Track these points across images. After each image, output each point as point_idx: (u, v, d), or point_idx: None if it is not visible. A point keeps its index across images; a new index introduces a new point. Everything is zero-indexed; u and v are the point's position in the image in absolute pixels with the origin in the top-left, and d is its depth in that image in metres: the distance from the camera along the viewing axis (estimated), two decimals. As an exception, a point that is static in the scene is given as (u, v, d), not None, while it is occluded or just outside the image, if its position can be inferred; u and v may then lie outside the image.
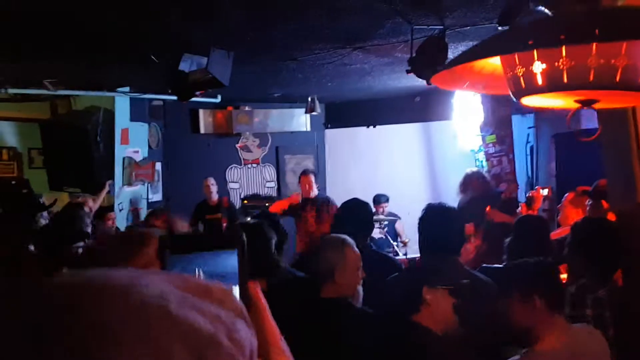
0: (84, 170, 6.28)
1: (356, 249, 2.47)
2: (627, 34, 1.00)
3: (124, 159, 6.81)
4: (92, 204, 5.86)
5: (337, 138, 8.87)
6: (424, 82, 4.48)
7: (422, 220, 2.71)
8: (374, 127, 8.42)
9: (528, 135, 6.62)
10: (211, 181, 6.88)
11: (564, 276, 2.86)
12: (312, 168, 6.37)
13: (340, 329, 2.22)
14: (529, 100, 1.29)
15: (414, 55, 4.40)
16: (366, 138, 8.66)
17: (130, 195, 6.92)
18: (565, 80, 1.09)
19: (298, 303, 2.44)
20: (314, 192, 6.05)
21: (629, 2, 1.81)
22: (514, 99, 1.28)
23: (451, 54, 4.68)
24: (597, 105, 1.20)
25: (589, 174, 4.45)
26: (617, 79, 1.06)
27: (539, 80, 1.13)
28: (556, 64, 1.08)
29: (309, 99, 7.54)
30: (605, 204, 3.64)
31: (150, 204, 7.23)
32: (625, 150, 2.22)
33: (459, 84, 1.43)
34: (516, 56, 1.14)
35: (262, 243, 2.42)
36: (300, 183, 6.20)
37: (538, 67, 1.12)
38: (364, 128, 8.47)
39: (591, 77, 1.06)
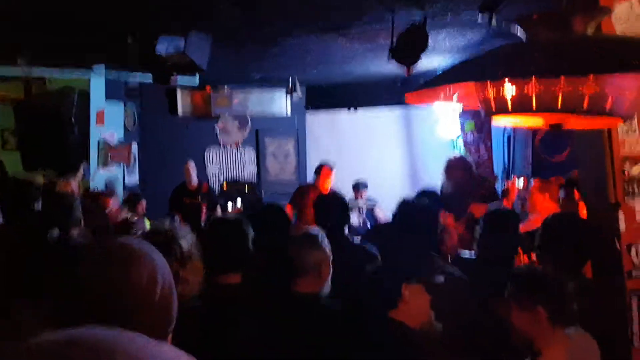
0: (59, 152, 6.16)
1: (325, 243, 2.49)
2: (595, 68, 1.00)
3: (99, 140, 6.69)
4: (75, 187, 5.75)
5: (318, 122, 8.82)
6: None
7: (395, 217, 2.72)
8: (355, 109, 8.39)
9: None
10: (192, 165, 6.74)
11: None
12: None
13: (318, 324, 2.23)
14: (500, 121, 1.29)
15: (395, 43, 4.38)
16: (347, 123, 8.64)
17: (106, 178, 6.82)
18: (534, 105, 1.09)
19: (274, 297, 2.45)
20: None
21: (603, 27, 1.82)
22: (485, 117, 1.28)
23: (432, 42, 4.66)
24: (565, 127, 1.21)
25: (564, 163, 4.50)
26: (585, 105, 1.07)
27: (509, 105, 1.14)
28: (526, 89, 1.09)
29: (290, 81, 7.47)
30: (577, 194, 3.70)
31: (126, 187, 7.14)
32: (598, 152, 2.25)
33: (433, 99, 1.43)
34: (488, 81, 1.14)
35: (238, 239, 2.40)
36: (320, 176, 5.82)
37: (508, 91, 1.12)
38: (345, 112, 8.44)
39: (559, 104, 1.07)
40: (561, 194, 4.02)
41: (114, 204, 5.18)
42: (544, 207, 4.19)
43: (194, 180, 6.70)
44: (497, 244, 3.00)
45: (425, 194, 3.89)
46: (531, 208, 4.28)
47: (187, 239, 1.92)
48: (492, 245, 3.02)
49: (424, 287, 2.16)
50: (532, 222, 4.08)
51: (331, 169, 5.80)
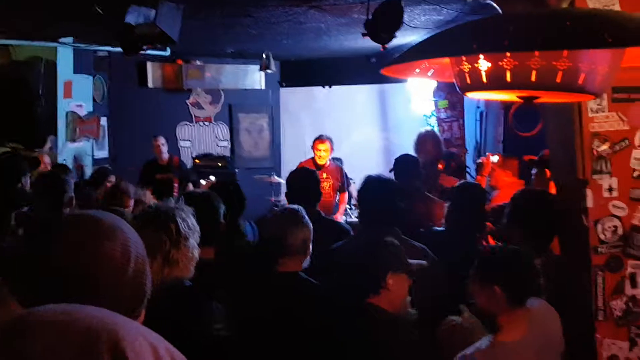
0: (25, 125, 5.98)
1: (309, 221, 2.47)
2: (568, 42, 0.99)
3: (67, 113, 6.52)
4: (47, 160, 5.62)
5: (292, 97, 8.74)
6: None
7: (360, 193, 2.74)
8: (330, 87, 8.33)
9: (478, 100, 6.70)
10: (161, 140, 6.61)
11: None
12: (326, 135, 5.81)
13: (298, 303, 2.24)
14: (474, 95, 1.29)
15: (370, 18, 4.33)
16: (322, 98, 8.58)
17: (74, 152, 6.67)
18: (508, 79, 1.09)
19: (252, 274, 2.44)
20: (327, 159, 5.65)
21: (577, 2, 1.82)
22: (460, 92, 1.28)
23: (407, 18, 4.62)
24: (538, 101, 1.21)
25: (535, 141, 4.55)
26: (558, 80, 1.07)
27: (484, 78, 1.13)
28: (500, 63, 1.08)
29: (264, 56, 7.34)
30: (549, 173, 3.76)
31: (95, 161, 6.99)
32: (567, 130, 2.27)
33: (409, 72, 1.42)
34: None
35: (209, 213, 2.37)
36: (314, 148, 5.77)
37: (483, 65, 1.11)
38: (320, 88, 8.38)
39: (533, 78, 1.07)
40: (533, 172, 4.09)
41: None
42: (505, 183, 4.34)
43: (165, 155, 6.59)
44: (465, 217, 3.07)
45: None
46: (494, 183, 4.41)
47: (187, 221, 1.85)
48: (459, 219, 3.08)
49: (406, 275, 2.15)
50: (495, 198, 4.18)
51: (322, 141, 5.71)
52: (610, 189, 2.26)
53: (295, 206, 2.56)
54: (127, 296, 0.97)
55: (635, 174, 2.26)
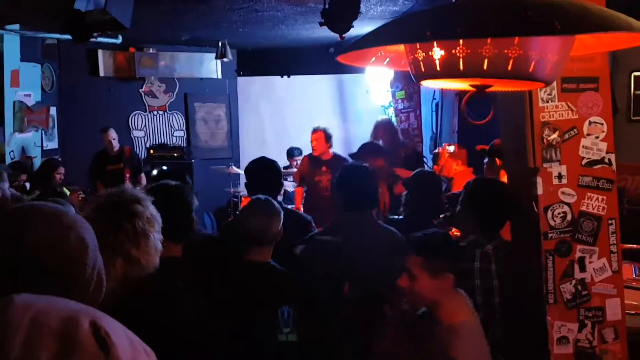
0: (-33, 114, 5.72)
1: (280, 211, 2.51)
2: (519, 29, 1.01)
3: (14, 103, 6.27)
4: None
5: (250, 87, 8.64)
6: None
7: (339, 179, 2.79)
8: (288, 77, 8.28)
9: (434, 92, 6.80)
10: (112, 135, 6.36)
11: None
12: (322, 126, 5.62)
13: (270, 292, 2.23)
14: (428, 83, 1.30)
15: (326, 7, 4.31)
16: (280, 88, 8.52)
17: (22, 143, 6.42)
18: (461, 67, 1.10)
19: (221, 265, 2.41)
20: (327, 151, 5.45)
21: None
22: (415, 81, 1.28)
23: (364, 8, 4.63)
24: (490, 90, 1.23)
25: (488, 131, 4.66)
26: (509, 68, 1.09)
27: (437, 66, 1.14)
28: (453, 51, 1.09)
29: (220, 44, 7.23)
30: (499, 162, 3.86)
31: (45, 152, 6.76)
32: (518, 119, 2.32)
33: (365, 60, 1.42)
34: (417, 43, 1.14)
35: (181, 209, 2.27)
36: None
37: (437, 53, 1.12)
38: (278, 77, 8.32)
39: (485, 66, 1.08)
40: (484, 161, 4.18)
41: None
42: (457, 171, 4.49)
43: (115, 147, 6.39)
44: (421, 204, 3.15)
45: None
46: (446, 173, 4.54)
47: (144, 215, 1.72)
48: (416, 206, 3.15)
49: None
50: (453, 187, 4.31)
51: (313, 132, 5.52)
52: (560, 177, 2.32)
53: (264, 196, 2.55)
54: (90, 289, 0.95)
55: (584, 162, 2.33)
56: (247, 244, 2.41)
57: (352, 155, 4.88)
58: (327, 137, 5.42)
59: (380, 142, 5.40)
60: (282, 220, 2.48)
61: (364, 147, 4.77)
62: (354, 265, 2.45)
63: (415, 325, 2.07)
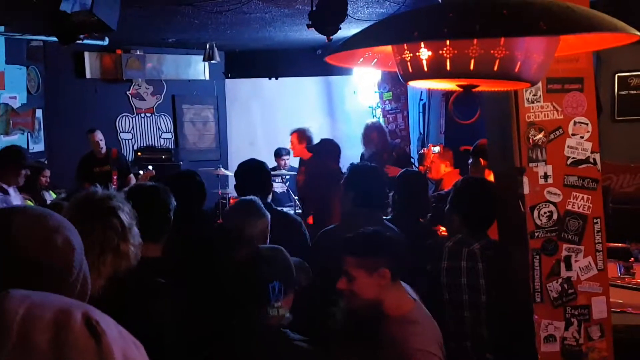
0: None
1: (265, 212, 2.49)
2: (505, 30, 1.02)
3: (-1, 105, 6.21)
4: None
5: (238, 88, 8.63)
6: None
7: (348, 179, 2.82)
8: (276, 78, 8.29)
9: (421, 93, 6.84)
10: (98, 136, 6.29)
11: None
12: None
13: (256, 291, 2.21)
14: (416, 83, 1.31)
15: (314, 9, 4.33)
16: (268, 89, 8.52)
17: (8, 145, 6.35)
18: (448, 68, 1.12)
19: (206, 265, 2.40)
20: (304, 152, 5.57)
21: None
22: (402, 81, 1.29)
23: (351, 10, 4.65)
24: (477, 89, 1.25)
25: (474, 131, 4.73)
26: (495, 68, 1.10)
27: (425, 67, 1.15)
28: (440, 52, 1.10)
29: (208, 46, 7.21)
30: (483, 162, 3.90)
31: (31, 155, 6.68)
32: (504, 119, 2.35)
33: (353, 61, 1.43)
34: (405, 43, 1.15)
35: (158, 208, 2.28)
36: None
37: (424, 54, 1.13)
38: (266, 79, 8.31)
39: (472, 66, 1.10)
40: (469, 161, 4.22)
41: None
42: (445, 172, 4.59)
43: (102, 149, 6.35)
44: (408, 204, 3.18)
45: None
46: (435, 174, 4.60)
47: (125, 208, 1.81)
48: (403, 206, 3.18)
49: None
50: (442, 187, 4.36)
51: (291, 134, 5.65)
52: (546, 176, 2.35)
53: (253, 197, 2.55)
54: (76, 292, 0.96)
55: (569, 161, 2.35)
56: (232, 243, 2.40)
57: (310, 149, 4.97)
58: (301, 138, 5.51)
59: (370, 146, 5.45)
60: (268, 221, 2.47)
61: (324, 143, 4.81)
62: None
63: (361, 324, 2.03)
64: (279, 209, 3.69)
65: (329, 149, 4.77)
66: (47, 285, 0.88)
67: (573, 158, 2.35)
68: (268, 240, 2.47)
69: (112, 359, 0.69)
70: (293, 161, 7.09)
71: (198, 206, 3.13)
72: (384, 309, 1.95)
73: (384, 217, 3.44)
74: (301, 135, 5.53)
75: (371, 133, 5.56)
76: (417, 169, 4.83)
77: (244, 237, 2.37)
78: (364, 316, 1.98)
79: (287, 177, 6.61)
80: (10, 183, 4.27)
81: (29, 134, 6.71)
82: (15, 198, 4.26)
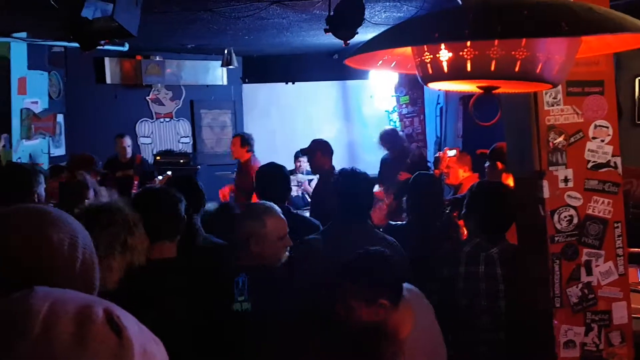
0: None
1: (280, 217, 2.41)
2: (526, 31, 1.02)
3: (21, 110, 6.32)
4: None
5: (255, 93, 8.69)
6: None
7: (336, 186, 2.76)
8: (293, 83, 8.32)
9: (438, 96, 6.82)
10: (127, 142, 6.47)
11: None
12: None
13: (258, 296, 2.22)
14: (435, 85, 1.31)
15: (331, 14, 4.34)
16: (285, 94, 8.56)
17: (30, 150, 6.47)
18: (468, 69, 1.12)
19: (212, 269, 2.41)
20: (241, 155, 5.93)
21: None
22: (422, 83, 1.30)
23: (368, 14, 4.66)
24: (497, 91, 1.24)
25: (492, 135, 4.68)
26: (517, 69, 1.10)
27: (445, 68, 1.15)
28: (461, 53, 1.10)
29: (226, 51, 7.28)
30: (500, 166, 3.87)
31: (52, 159, 6.80)
32: (524, 123, 2.33)
33: (372, 63, 1.43)
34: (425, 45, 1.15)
35: (170, 207, 2.32)
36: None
37: (444, 55, 1.13)
38: (283, 84, 8.36)
39: (492, 68, 1.10)
40: (486, 165, 4.19)
41: None
42: (464, 178, 4.50)
43: (128, 155, 6.49)
44: (422, 207, 3.15)
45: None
46: (454, 180, 4.53)
47: (128, 208, 1.90)
48: (417, 208, 3.15)
49: None
50: (461, 191, 4.31)
51: (234, 137, 6.16)
52: (566, 180, 2.33)
53: (267, 202, 2.53)
54: (78, 289, 0.96)
55: (590, 165, 2.33)
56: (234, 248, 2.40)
57: (302, 150, 5.02)
58: (243, 143, 5.93)
59: (387, 153, 5.45)
60: (265, 228, 2.39)
61: (314, 142, 4.82)
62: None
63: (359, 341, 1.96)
64: (295, 211, 3.70)
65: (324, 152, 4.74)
66: (45, 280, 0.89)
67: (594, 162, 2.33)
68: (286, 250, 2.43)
69: (132, 353, 0.70)
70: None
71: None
72: (383, 330, 1.84)
73: (397, 223, 3.43)
74: (244, 140, 5.99)
75: (388, 140, 5.57)
76: (431, 173, 4.80)
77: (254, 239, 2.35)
78: (361, 336, 1.85)
79: (303, 180, 6.65)
80: None
81: (50, 138, 6.82)
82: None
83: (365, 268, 1.93)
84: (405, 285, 2.03)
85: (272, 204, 2.49)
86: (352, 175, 2.80)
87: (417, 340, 1.91)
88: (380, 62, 1.36)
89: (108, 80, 7.63)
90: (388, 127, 6.76)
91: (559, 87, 2.26)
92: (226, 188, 5.97)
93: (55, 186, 4.24)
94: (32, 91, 6.48)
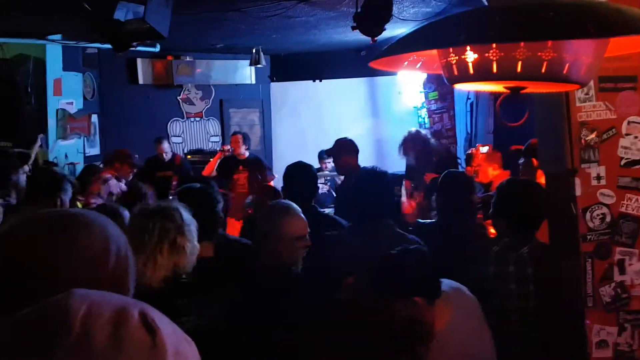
0: (15, 123, 5.95)
1: (300, 217, 2.41)
2: (553, 33, 1.01)
3: (57, 110, 6.50)
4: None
5: (283, 91, 8.74)
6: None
7: (355, 187, 2.75)
8: (320, 81, 8.34)
9: (468, 92, 6.73)
10: (165, 148, 6.65)
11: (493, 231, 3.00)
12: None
13: (279, 295, 2.24)
14: (462, 86, 1.31)
15: (359, 10, 4.34)
16: (312, 92, 8.58)
17: (66, 150, 6.65)
18: (494, 70, 1.11)
19: (240, 269, 2.44)
20: (244, 153, 6.08)
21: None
22: (447, 84, 1.30)
23: (396, 10, 4.64)
24: (524, 91, 1.24)
25: (524, 131, 4.59)
26: (543, 70, 1.09)
27: (471, 69, 1.15)
28: (486, 54, 1.10)
29: (254, 50, 7.34)
30: (535, 162, 3.80)
31: (87, 158, 6.97)
32: (556, 119, 2.30)
33: (398, 65, 1.44)
34: (450, 46, 1.16)
35: (210, 208, 2.35)
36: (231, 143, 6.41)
37: (470, 56, 1.13)
38: (311, 82, 8.38)
39: (519, 69, 1.09)
40: (520, 162, 4.13)
41: None
42: (494, 176, 4.40)
43: (167, 158, 6.65)
44: (453, 205, 3.09)
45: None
46: (483, 178, 4.46)
47: (183, 210, 1.96)
48: (447, 208, 3.10)
49: None
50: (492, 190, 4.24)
51: (235, 134, 6.42)
52: (599, 177, 2.29)
53: (288, 202, 2.55)
54: (113, 285, 0.98)
55: (623, 162, 2.29)
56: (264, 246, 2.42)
57: (327, 151, 4.99)
58: (244, 140, 6.23)
59: (410, 157, 5.36)
60: (282, 228, 2.38)
61: (338, 143, 4.78)
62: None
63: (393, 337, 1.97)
64: (322, 210, 3.72)
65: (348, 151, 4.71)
66: (74, 285, 0.92)
67: (627, 159, 2.28)
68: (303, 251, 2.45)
69: (165, 353, 0.73)
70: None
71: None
72: (418, 326, 1.90)
73: (425, 222, 3.40)
74: (244, 137, 6.28)
75: (410, 144, 5.46)
76: (462, 170, 4.74)
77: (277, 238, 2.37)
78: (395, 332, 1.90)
79: (329, 178, 6.66)
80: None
81: (85, 138, 6.99)
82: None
83: (402, 264, 1.95)
84: (447, 281, 2.04)
85: (292, 203, 2.50)
86: (372, 174, 2.79)
87: (451, 334, 1.92)
88: (405, 63, 1.37)
89: (140, 81, 7.78)
90: (412, 129, 6.66)
91: (591, 83, 2.22)
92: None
93: (97, 188, 4.40)
94: (67, 92, 6.65)
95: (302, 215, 2.42)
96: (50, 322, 0.71)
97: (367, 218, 2.67)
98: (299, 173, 3.21)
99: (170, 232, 1.87)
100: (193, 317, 1.86)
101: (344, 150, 4.58)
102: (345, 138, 4.79)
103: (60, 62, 6.52)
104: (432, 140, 5.92)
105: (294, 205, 2.46)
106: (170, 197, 2.23)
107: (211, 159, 6.72)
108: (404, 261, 1.97)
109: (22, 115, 5.98)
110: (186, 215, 1.93)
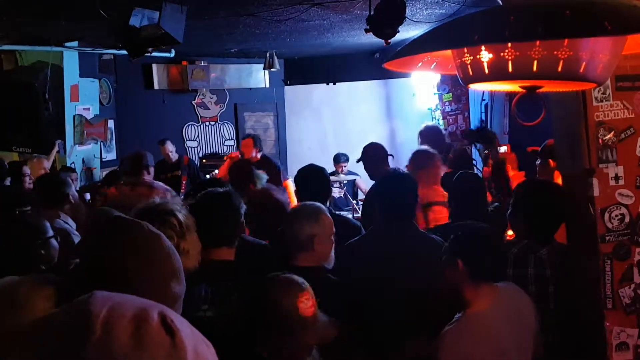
0: (33, 129, 6.03)
1: (329, 216, 2.46)
2: (569, 31, 1.01)
3: (74, 116, 6.58)
4: (47, 164, 5.69)
5: (296, 95, 8.76)
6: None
7: (379, 188, 2.76)
8: (334, 84, 8.35)
9: (483, 92, 6.69)
10: (169, 148, 6.71)
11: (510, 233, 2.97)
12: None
13: (320, 297, 2.24)
14: (477, 86, 1.31)
15: (372, 13, 4.34)
16: (326, 95, 8.59)
17: (83, 155, 6.72)
18: (510, 70, 1.11)
19: (262, 272, 2.44)
20: (256, 156, 6.02)
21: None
22: (462, 84, 1.29)
23: (409, 12, 4.63)
24: (540, 90, 1.22)
25: (540, 132, 4.55)
26: (559, 69, 1.08)
27: (486, 69, 1.15)
28: (502, 54, 1.09)
29: (268, 54, 7.37)
30: (552, 163, 3.76)
31: (104, 163, 7.05)
32: (572, 119, 2.28)
33: (412, 66, 1.44)
34: (465, 46, 1.15)
35: (232, 212, 2.35)
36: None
37: (485, 56, 1.13)
38: (324, 85, 8.39)
39: (535, 68, 1.08)
40: (537, 162, 4.09)
41: None
42: (510, 176, 4.35)
43: (173, 159, 6.69)
44: (466, 207, 3.09)
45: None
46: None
47: (182, 212, 1.94)
48: (460, 209, 3.10)
49: None
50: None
51: (245, 138, 6.22)
52: (617, 178, 2.26)
53: (316, 203, 2.55)
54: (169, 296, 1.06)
55: (641, 161, 2.26)
56: (292, 250, 2.42)
57: (358, 160, 4.96)
58: (255, 143, 6.06)
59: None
60: (324, 227, 2.41)
61: (366, 149, 4.74)
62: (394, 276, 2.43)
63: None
64: (338, 213, 3.72)
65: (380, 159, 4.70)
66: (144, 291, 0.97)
67: (645, 158, 2.26)
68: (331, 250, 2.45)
69: (184, 353, 0.75)
70: (351, 166, 7.11)
71: None
72: (464, 300, 2.10)
73: (445, 224, 3.38)
74: (255, 140, 6.08)
75: (427, 137, 5.48)
76: (480, 172, 4.71)
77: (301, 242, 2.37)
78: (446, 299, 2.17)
79: (345, 182, 6.64)
80: None
81: (101, 144, 7.07)
82: None
83: (454, 233, 2.26)
84: (506, 283, 2.23)
85: (319, 203, 2.53)
86: (395, 177, 2.80)
87: (493, 317, 2.04)
88: (419, 64, 1.36)
89: (156, 86, 7.86)
90: (430, 123, 6.67)
91: (608, 82, 2.20)
92: None
93: (113, 191, 4.47)
94: (84, 98, 6.73)
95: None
96: (72, 324, 0.73)
97: (391, 220, 2.67)
98: (311, 176, 3.22)
99: (172, 240, 1.85)
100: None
101: (373, 155, 4.56)
102: (373, 143, 4.77)
103: (77, 69, 6.60)
104: (448, 141, 5.92)
105: (318, 204, 2.49)
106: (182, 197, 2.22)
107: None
108: (465, 235, 2.25)
109: (40, 121, 6.06)
110: (181, 215, 1.91)
